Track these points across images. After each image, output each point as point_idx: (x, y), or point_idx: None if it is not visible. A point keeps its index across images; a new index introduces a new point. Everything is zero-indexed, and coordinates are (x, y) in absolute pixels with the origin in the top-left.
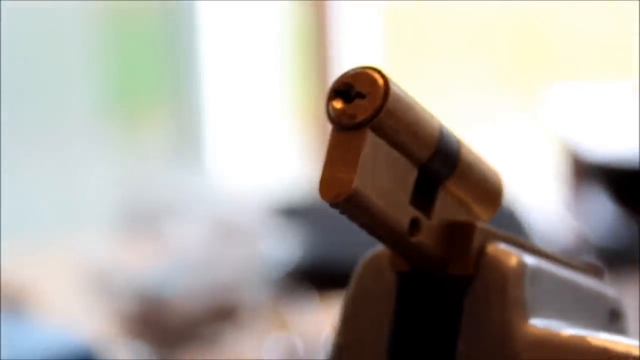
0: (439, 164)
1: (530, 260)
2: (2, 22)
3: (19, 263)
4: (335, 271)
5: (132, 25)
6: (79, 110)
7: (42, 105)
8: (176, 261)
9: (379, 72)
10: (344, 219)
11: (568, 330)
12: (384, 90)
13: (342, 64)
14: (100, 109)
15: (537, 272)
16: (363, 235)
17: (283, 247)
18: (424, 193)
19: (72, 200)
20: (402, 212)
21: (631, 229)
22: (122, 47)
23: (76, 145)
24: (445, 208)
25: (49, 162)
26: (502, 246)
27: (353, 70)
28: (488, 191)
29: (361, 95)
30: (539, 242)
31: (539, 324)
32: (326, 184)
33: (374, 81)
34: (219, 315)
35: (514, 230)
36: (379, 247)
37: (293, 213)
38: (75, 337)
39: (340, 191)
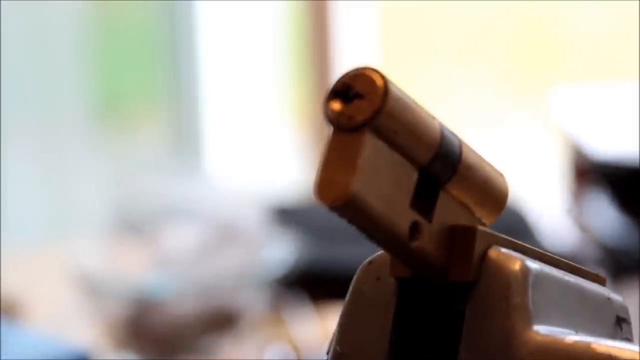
0: (440, 166)
1: (533, 265)
2: None
3: (13, 269)
4: (333, 275)
5: (128, 26)
6: (74, 112)
7: (34, 109)
8: (171, 266)
9: (378, 72)
10: (342, 222)
11: (572, 337)
12: (383, 91)
13: (340, 65)
14: (97, 111)
15: (540, 278)
16: (362, 240)
17: (281, 251)
18: (425, 196)
19: (66, 205)
20: (402, 216)
21: (636, 231)
22: (118, 48)
23: (71, 148)
24: (446, 211)
25: (44, 165)
26: (505, 251)
27: (352, 71)
28: (491, 194)
29: (360, 96)
30: (544, 245)
31: (542, 330)
32: (324, 186)
33: (373, 82)
34: (215, 321)
35: (521, 233)
36: (378, 252)
37: (291, 216)
38: (69, 343)
39: (338, 194)
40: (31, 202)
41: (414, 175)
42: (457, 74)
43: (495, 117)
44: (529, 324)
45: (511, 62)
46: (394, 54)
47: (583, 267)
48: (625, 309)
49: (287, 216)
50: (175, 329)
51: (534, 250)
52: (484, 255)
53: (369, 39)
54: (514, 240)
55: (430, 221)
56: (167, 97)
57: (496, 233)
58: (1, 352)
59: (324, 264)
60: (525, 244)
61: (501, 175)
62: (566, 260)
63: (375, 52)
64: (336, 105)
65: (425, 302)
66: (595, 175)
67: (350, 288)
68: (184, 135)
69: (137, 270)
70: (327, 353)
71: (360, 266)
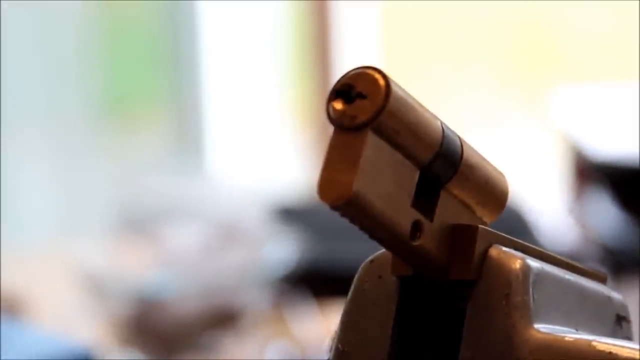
0: (441, 166)
1: (534, 264)
2: None
3: (16, 268)
4: (335, 274)
5: (130, 27)
6: (77, 112)
7: (38, 109)
8: (174, 265)
9: (380, 72)
10: (344, 222)
11: (573, 335)
12: (385, 90)
13: (342, 65)
14: (99, 111)
15: (541, 276)
16: (364, 238)
17: (283, 249)
18: (426, 195)
19: (70, 204)
20: (403, 215)
21: (636, 231)
22: (120, 49)
23: (74, 148)
24: (447, 211)
25: (46, 165)
26: (506, 250)
27: (354, 70)
28: (492, 193)
29: (362, 96)
30: (544, 244)
31: (543, 328)
32: (326, 186)
33: (375, 81)
34: (218, 320)
35: (521, 232)
36: (380, 251)
37: (293, 215)
38: (73, 342)
39: (340, 193)
40: (35, 201)
41: (416, 175)
42: (458, 75)
43: (496, 117)
44: (529, 322)
45: (512, 63)
46: (395, 54)
47: (583, 266)
48: (625, 308)
49: (289, 215)
50: (178, 327)
51: (535, 249)
52: (485, 254)
53: (371, 39)
54: (514, 239)
55: (431, 220)
56: (170, 98)
57: (497, 232)
58: (5, 350)
59: (326, 263)
60: (525, 243)
61: (502, 175)
62: (566, 259)
63: (377, 53)
64: (338, 105)
65: (427, 300)
66: (595, 175)
67: (352, 286)
68: (186, 135)
69: (140, 269)
70: (329, 351)
71: (362, 265)
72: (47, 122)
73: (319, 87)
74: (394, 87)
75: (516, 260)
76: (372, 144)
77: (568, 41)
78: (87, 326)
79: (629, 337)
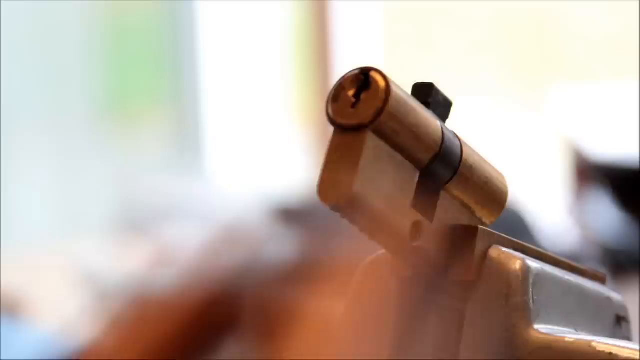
0: (441, 167)
1: (534, 264)
2: (0, 24)
3: (16, 268)
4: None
5: (131, 27)
6: (77, 113)
7: (39, 108)
8: (174, 265)
9: (380, 73)
10: (344, 222)
11: (573, 336)
12: (385, 91)
13: (343, 65)
14: (99, 112)
15: (541, 277)
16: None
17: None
18: (426, 196)
19: (70, 204)
20: (403, 216)
21: (636, 231)
22: (121, 49)
23: (74, 148)
24: (447, 211)
25: (47, 165)
26: (506, 250)
27: (354, 71)
28: (491, 194)
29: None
30: (544, 245)
31: (543, 329)
32: (326, 187)
33: (375, 82)
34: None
35: (521, 233)
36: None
37: (293, 215)
38: (71, 341)
39: (340, 194)
40: (35, 201)
41: (415, 175)
42: (458, 75)
43: (495, 117)
44: (529, 322)
45: (512, 63)
46: (396, 54)
47: (583, 266)
48: (624, 308)
49: (289, 215)
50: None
51: (534, 249)
52: (484, 255)
53: (371, 39)
54: (514, 239)
55: (431, 221)
56: (170, 98)
57: (497, 232)
58: (4, 350)
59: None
60: (525, 244)
61: (501, 175)
62: (566, 260)
63: (378, 53)
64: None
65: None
66: (595, 175)
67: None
68: (186, 136)
69: (140, 268)
70: None
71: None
72: (47, 123)
73: (319, 87)
74: (393, 88)
75: (516, 260)
76: (372, 144)
77: (568, 41)
78: (87, 326)
79: (628, 338)
